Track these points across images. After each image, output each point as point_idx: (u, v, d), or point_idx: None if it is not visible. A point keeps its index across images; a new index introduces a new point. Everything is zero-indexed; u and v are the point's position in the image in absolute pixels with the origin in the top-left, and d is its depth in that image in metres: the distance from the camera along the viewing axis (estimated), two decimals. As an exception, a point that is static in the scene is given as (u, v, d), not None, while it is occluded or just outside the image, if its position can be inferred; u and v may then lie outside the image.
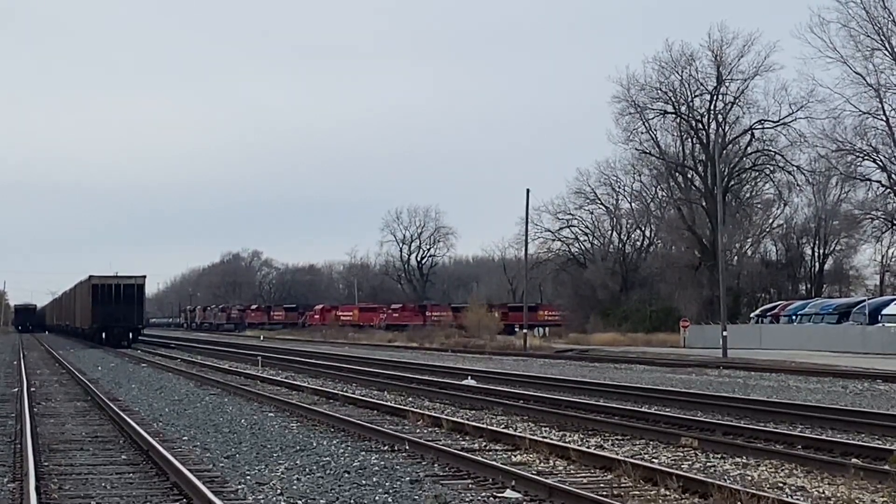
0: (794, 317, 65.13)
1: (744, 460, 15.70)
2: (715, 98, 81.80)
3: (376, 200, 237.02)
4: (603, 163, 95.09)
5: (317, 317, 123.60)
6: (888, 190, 73.21)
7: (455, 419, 20.72)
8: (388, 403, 25.06)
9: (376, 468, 15.23)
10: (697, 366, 42.89)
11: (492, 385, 31.44)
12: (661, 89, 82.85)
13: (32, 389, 30.33)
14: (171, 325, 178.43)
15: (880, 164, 72.56)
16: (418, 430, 19.67)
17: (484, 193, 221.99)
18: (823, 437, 18.17)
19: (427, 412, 22.20)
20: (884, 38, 69.28)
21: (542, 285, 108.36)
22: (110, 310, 71.51)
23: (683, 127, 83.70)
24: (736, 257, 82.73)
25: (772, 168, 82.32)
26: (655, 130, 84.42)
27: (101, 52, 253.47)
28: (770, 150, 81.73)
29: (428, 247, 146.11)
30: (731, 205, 78.66)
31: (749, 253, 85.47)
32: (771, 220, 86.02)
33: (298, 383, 32.56)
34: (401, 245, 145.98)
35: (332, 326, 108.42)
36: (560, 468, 15.12)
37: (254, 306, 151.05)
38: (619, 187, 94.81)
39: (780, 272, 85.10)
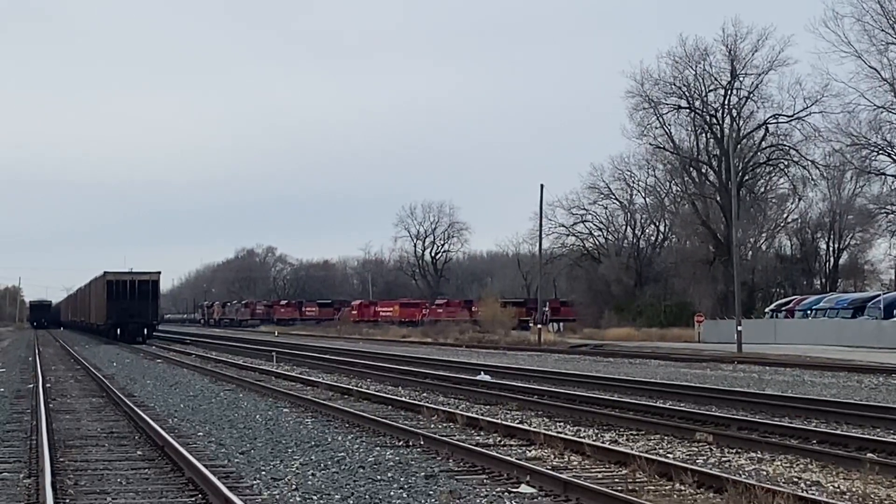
0: (808, 311, 65.01)
1: (759, 455, 15.68)
2: (729, 93, 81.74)
3: (390, 196, 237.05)
4: (617, 158, 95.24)
5: (354, 312, 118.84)
6: (903, 184, 73.03)
7: (469, 414, 20.72)
8: (403, 399, 25.09)
9: (391, 463, 15.24)
10: (712, 361, 42.81)
11: (506, 380, 31.46)
12: (675, 84, 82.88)
13: (48, 385, 30.43)
14: (186, 320, 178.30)
15: (895, 158, 72.36)
16: (433, 426, 19.68)
17: (498, 189, 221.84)
18: (839, 431, 18.13)
19: (441, 407, 22.21)
20: (898, 32, 69.02)
21: (557, 280, 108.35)
22: (125, 306, 71.70)
23: (697, 122, 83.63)
24: (750, 252, 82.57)
25: (786, 162, 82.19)
26: (669, 125, 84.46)
27: (115, 51, 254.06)
28: (784, 145, 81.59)
29: (442, 242, 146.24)
30: (745, 199, 78.51)
31: (763, 248, 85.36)
32: (785, 215, 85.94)
33: (313, 379, 32.61)
34: (415, 240, 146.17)
35: (346, 322, 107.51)
36: (575, 463, 15.11)
37: (283, 301, 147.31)
38: (634, 182, 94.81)
39: (795, 267, 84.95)
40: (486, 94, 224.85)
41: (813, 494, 12.22)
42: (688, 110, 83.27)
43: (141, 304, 72.10)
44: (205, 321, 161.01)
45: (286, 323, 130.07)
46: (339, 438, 18.21)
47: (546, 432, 17.64)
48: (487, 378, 32.12)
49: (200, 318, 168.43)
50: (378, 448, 16.88)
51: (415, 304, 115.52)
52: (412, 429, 18.40)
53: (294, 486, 13.32)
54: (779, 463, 14.99)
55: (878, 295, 61.20)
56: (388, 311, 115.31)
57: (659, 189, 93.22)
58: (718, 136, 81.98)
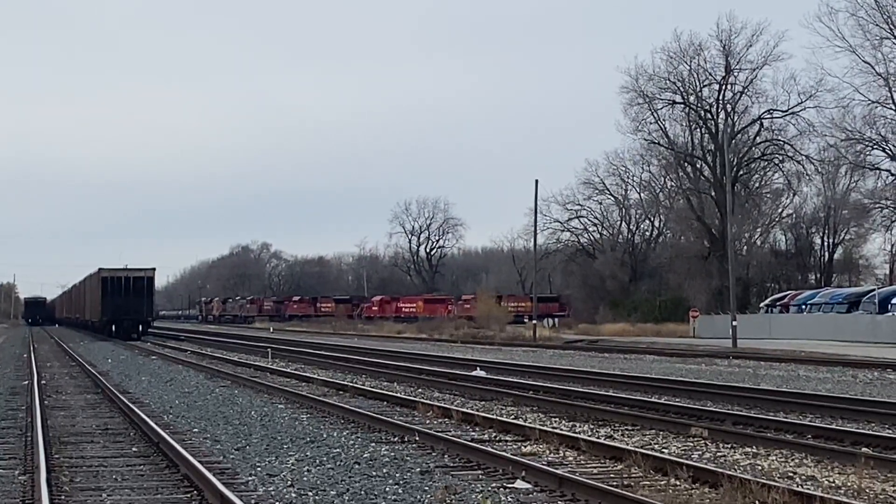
0: (803, 306, 65.05)
1: (754, 450, 15.69)
2: (723, 88, 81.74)
3: (385, 192, 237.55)
4: (612, 153, 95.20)
5: (375, 308, 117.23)
6: (898, 179, 73.04)
7: (465, 410, 20.71)
8: (398, 395, 25.07)
9: (386, 459, 15.23)
10: (707, 356, 42.85)
11: (501, 376, 31.44)
12: (669, 79, 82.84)
13: (43, 382, 30.37)
14: (181, 317, 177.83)
15: (889, 153, 72.40)
16: (428, 422, 19.67)
17: (493, 184, 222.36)
18: (833, 426, 18.14)
19: (437, 403, 22.20)
20: (892, 27, 69.02)
21: (552, 276, 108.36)
22: (120, 302, 71.66)
23: (692, 117, 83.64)
24: (745, 247, 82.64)
25: (781, 157, 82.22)
26: (664, 120, 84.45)
27: (115, 52, 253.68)
28: (779, 140, 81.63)
29: (437, 238, 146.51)
30: (740, 195, 78.51)
31: (758, 243, 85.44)
32: (780, 210, 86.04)
33: (308, 375, 32.59)
34: (410, 236, 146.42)
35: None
36: (570, 458, 15.11)
37: (296, 297, 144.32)
38: (628, 177, 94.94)
39: (790, 262, 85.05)
40: (480, 92, 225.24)
41: (808, 489, 12.23)
42: (682, 105, 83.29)
43: (136, 301, 72.06)
44: (202, 318, 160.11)
45: (299, 319, 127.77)
46: (335, 434, 18.21)
47: (541, 428, 17.64)
48: (483, 374, 32.11)
49: (198, 314, 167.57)
50: (373, 444, 16.87)
51: (440, 300, 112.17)
52: (407, 425, 18.40)
53: (289, 482, 13.32)
54: (774, 458, 15.00)
55: (873, 290, 61.22)
56: (412, 307, 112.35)
57: (654, 184, 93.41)
58: (713, 131, 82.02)
